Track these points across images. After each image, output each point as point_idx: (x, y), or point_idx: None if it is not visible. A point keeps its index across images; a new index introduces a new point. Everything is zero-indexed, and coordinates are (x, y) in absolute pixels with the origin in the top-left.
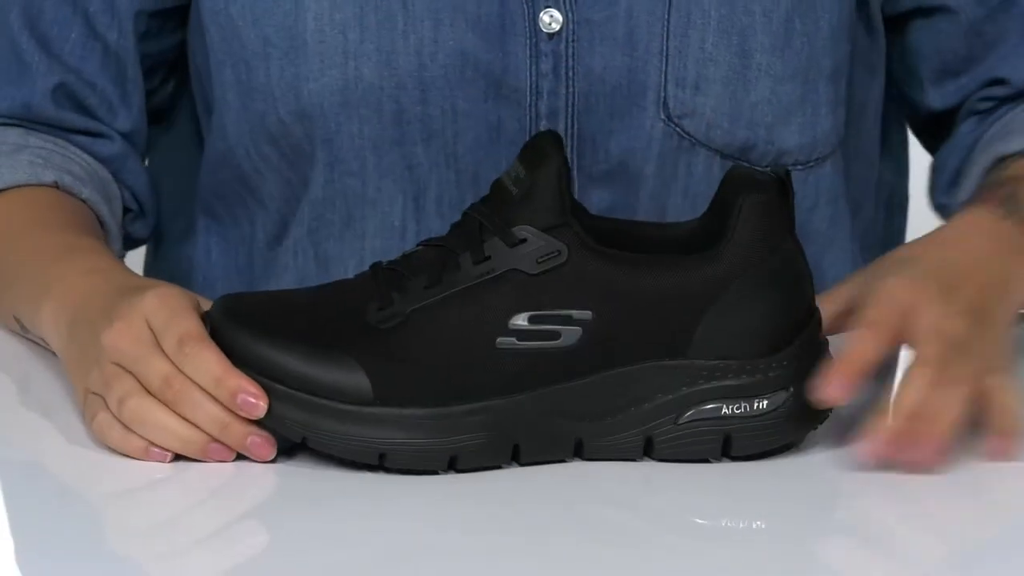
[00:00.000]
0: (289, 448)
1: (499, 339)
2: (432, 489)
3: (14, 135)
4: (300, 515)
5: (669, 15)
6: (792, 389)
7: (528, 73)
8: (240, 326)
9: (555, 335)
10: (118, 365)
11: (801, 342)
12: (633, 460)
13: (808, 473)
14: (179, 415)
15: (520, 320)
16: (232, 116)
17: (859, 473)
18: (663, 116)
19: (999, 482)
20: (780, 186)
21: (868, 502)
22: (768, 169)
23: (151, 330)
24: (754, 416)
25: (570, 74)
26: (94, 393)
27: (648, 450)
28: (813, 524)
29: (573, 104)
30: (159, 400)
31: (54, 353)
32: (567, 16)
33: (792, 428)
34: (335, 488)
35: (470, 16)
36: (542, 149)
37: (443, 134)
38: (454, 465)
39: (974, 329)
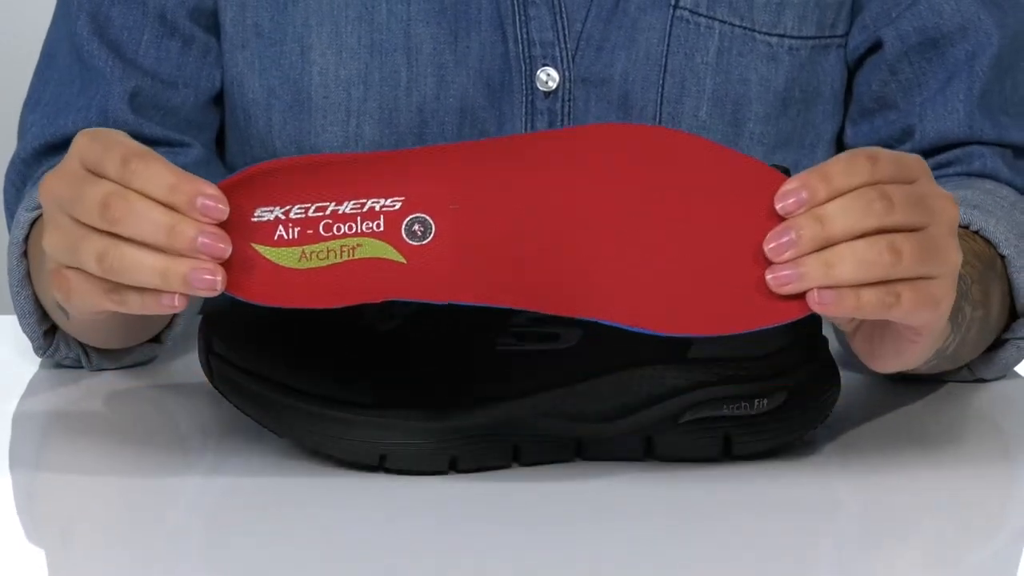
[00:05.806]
0: (287, 447)
1: (499, 340)
2: (432, 489)
3: None
4: (299, 515)
5: (663, 82)
6: (792, 389)
7: (523, 131)
8: (238, 333)
9: (555, 336)
10: (67, 216)
11: (801, 341)
12: (633, 460)
13: (808, 473)
14: (126, 238)
15: (520, 321)
16: (231, 152)
17: (860, 473)
18: None
19: (1003, 475)
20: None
21: (869, 501)
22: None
23: (86, 168)
24: (754, 416)
25: None
26: (68, 268)
27: (648, 450)
28: (813, 524)
29: None
30: (104, 231)
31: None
32: (563, 75)
33: (792, 428)
34: (335, 488)
35: (472, 71)
36: None
37: None
38: (455, 466)
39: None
